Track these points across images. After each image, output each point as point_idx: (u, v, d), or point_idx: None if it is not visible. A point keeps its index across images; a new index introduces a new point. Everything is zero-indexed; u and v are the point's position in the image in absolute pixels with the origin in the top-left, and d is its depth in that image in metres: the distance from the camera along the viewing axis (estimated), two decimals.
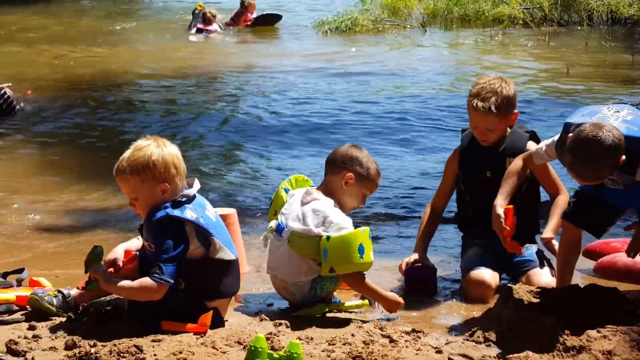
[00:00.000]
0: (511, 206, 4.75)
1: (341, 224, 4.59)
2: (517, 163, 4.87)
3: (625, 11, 15.33)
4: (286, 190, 4.94)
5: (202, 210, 4.29)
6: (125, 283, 4.20)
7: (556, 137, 4.54)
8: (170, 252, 4.15)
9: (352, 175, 4.76)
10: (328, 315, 4.59)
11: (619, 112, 4.36)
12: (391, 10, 18.94)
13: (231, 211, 5.46)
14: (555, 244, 4.97)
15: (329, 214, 4.62)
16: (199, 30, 17.40)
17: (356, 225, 4.64)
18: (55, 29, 17.85)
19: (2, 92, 9.75)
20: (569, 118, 4.44)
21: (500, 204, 4.74)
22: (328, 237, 4.52)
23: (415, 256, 5.20)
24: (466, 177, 5.24)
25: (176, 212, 4.19)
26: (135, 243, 4.50)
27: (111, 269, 4.33)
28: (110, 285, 4.23)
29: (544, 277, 5.00)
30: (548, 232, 5.01)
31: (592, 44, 15.39)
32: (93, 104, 10.94)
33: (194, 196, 4.32)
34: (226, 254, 4.33)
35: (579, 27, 17.18)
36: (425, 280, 5.13)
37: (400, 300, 4.66)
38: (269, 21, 18.05)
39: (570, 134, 4.27)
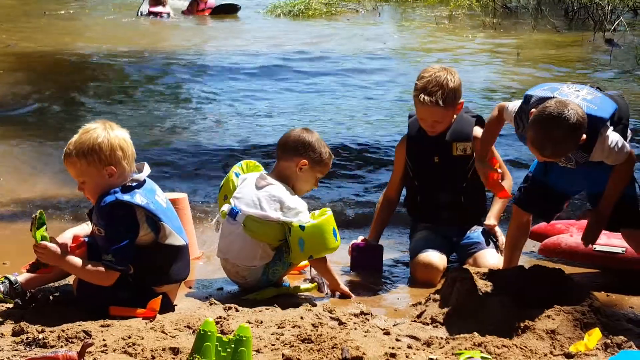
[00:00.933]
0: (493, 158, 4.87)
1: (298, 208, 4.66)
2: (493, 113, 4.81)
3: None
4: (237, 175, 4.96)
5: (152, 196, 4.29)
6: (79, 262, 4.17)
7: (515, 106, 4.57)
8: (120, 238, 4.14)
9: (306, 161, 4.81)
10: (277, 299, 4.62)
11: (579, 91, 4.43)
12: None
13: (182, 195, 5.45)
14: (498, 230, 5.06)
15: (284, 199, 4.67)
16: (150, 14, 17.22)
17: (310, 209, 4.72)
18: None
19: None
20: (530, 91, 4.49)
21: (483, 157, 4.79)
22: (302, 227, 4.58)
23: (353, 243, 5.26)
24: (414, 164, 5.29)
25: (126, 197, 4.18)
26: (84, 229, 4.48)
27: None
28: (63, 261, 4.18)
29: (490, 258, 5.08)
30: (491, 218, 5.12)
31: (539, 29, 15.54)
32: (43, 91, 10.80)
33: (144, 181, 4.31)
34: (176, 240, 4.33)
35: (526, 12, 17.34)
36: (370, 257, 5.20)
37: (350, 294, 4.77)
38: (227, 11, 17.73)
39: (533, 109, 4.30)
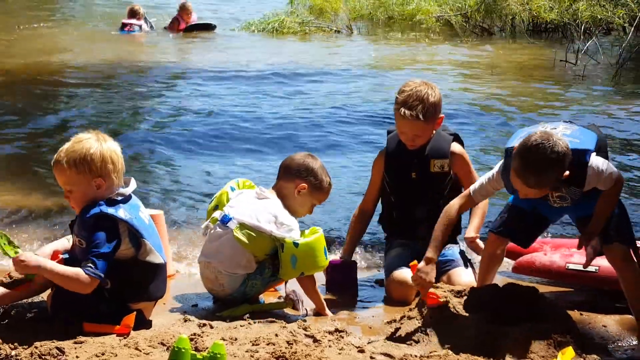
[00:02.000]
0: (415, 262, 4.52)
1: (291, 225, 4.71)
2: (452, 208, 4.62)
3: (547, 15, 15.66)
4: (232, 189, 4.97)
5: (135, 211, 4.28)
6: (58, 267, 4.13)
7: (494, 171, 4.56)
8: (102, 247, 4.12)
9: (306, 185, 4.86)
10: (252, 315, 4.60)
11: (555, 128, 4.42)
12: (317, 12, 19.03)
13: (159, 212, 5.44)
14: (479, 242, 5.07)
15: (278, 214, 4.72)
16: (123, 25, 17.16)
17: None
18: None
19: None
20: (509, 143, 4.47)
21: (428, 256, 4.47)
22: (296, 244, 4.62)
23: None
24: (392, 179, 5.30)
25: (110, 210, 4.17)
26: (64, 243, 4.46)
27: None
28: (43, 268, 4.11)
29: (464, 276, 5.11)
30: (471, 231, 5.11)
31: (513, 47, 15.68)
32: (19, 105, 10.76)
33: (130, 196, 4.31)
34: (155, 258, 4.32)
35: (502, 32, 17.49)
36: (345, 275, 5.22)
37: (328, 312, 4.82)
38: (202, 29, 17.67)
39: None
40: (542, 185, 4.26)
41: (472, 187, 4.65)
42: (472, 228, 5.15)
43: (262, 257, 4.73)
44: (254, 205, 4.78)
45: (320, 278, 5.22)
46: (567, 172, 4.23)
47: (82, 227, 4.20)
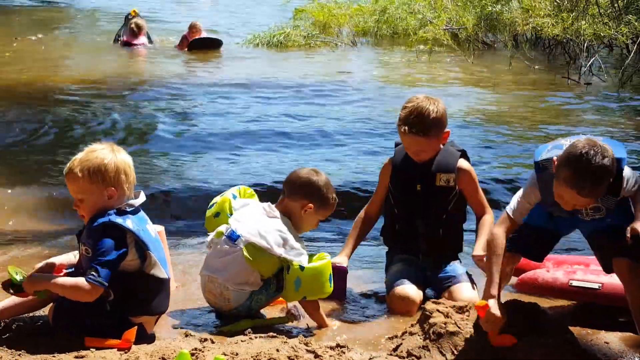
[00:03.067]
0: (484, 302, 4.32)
1: (300, 249, 4.71)
2: (498, 237, 4.46)
3: (550, 30, 15.70)
4: (234, 197, 4.96)
5: (143, 224, 4.29)
6: (59, 279, 4.16)
7: (526, 188, 4.51)
8: (107, 256, 4.12)
9: (312, 205, 4.85)
10: (253, 330, 4.59)
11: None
12: (321, 26, 19.08)
13: (160, 228, 5.43)
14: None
15: (289, 238, 4.72)
16: (126, 44, 17.15)
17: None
18: None
19: None
20: (537, 157, 4.41)
21: (493, 294, 4.33)
22: (302, 268, 4.62)
23: (337, 259, 5.26)
24: (397, 190, 5.30)
25: (118, 220, 4.18)
26: (69, 258, 4.46)
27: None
28: (43, 281, 4.16)
29: (466, 292, 5.10)
30: (478, 249, 5.07)
31: (516, 64, 15.70)
32: (21, 119, 10.78)
33: (138, 209, 4.32)
34: (160, 272, 4.33)
35: (504, 48, 17.51)
36: (335, 281, 5.14)
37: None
38: (208, 45, 17.12)
39: (555, 159, 4.21)
40: (596, 194, 4.19)
41: (508, 209, 4.53)
42: (479, 246, 5.12)
43: (268, 275, 4.73)
44: (263, 224, 4.75)
45: None
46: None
47: (89, 236, 4.20)
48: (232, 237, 4.75)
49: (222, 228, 4.81)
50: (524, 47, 17.04)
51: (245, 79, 13.93)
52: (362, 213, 5.50)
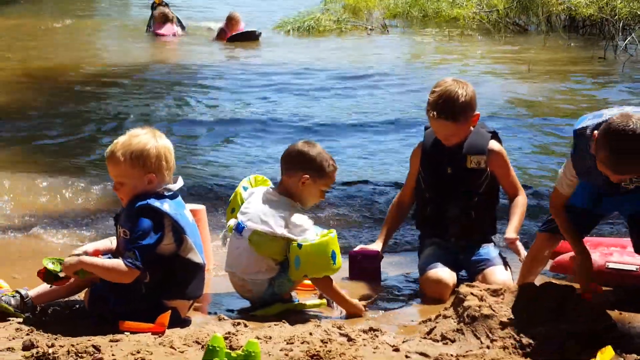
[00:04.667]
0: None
1: (304, 225, 4.65)
2: (556, 214, 4.71)
3: (585, 10, 15.51)
4: (245, 189, 4.96)
5: (180, 208, 4.32)
6: (97, 260, 4.20)
7: (565, 163, 4.51)
8: (145, 239, 4.15)
9: (308, 176, 4.79)
10: (286, 314, 4.60)
11: (623, 108, 4.33)
12: (352, 10, 19.00)
13: (200, 207, 5.46)
14: (519, 245, 5.00)
15: (289, 216, 4.67)
16: (156, 34, 17.00)
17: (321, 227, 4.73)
18: None
19: None
20: (576, 126, 4.39)
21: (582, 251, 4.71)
22: (300, 245, 4.57)
23: (373, 246, 5.25)
24: (427, 174, 5.26)
25: (156, 204, 4.21)
26: (106, 244, 4.50)
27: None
28: (81, 262, 4.20)
29: (500, 275, 5.06)
30: (511, 232, 5.03)
31: (550, 44, 15.54)
32: (52, 106, 10.86)
33: (176, 194, 4.34)
34: (196, 257, 4.35)
35: (537, 29, 17.34)
36: (368, 265, 5.20)
37: (362, 308, 4.74)
38: (247, 38, 16.61)
39: (595, 132, 4.17)
40: (636, 171, 4.16)
41: (556, 182, 4.68)
42: (512, 228, 5.07)
43: (281, 257, 4.69)
44: (263, 209, 4.73)
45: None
46: None
47: (127, 219, 4.24)
48: (239, 229, 4.76)
49: (232, 222, 4.83)
50: (558, 28, 16.85)
51: (280, 64, 13.94)
52: (395, 199, 5.49)
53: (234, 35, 16.54)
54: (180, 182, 4.38)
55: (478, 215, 5.23)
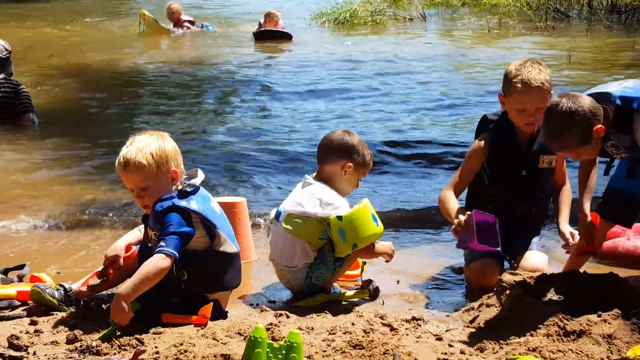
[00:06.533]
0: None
1: (337, 203, 4.68)
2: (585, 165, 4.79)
3: None
4: None
5: (207, 203, 4.32)
6: (133, 281, 4.06)
7: None
8: (175, 227, 4.15)
9: (351, 164, 4.81)
10: (329, 305, 4.59)
11: (623, 83, 4.40)
12: (392, 0, 18.96)
13: (241, 199, 5.50)
14: (575, 232, 4.92)
15: (324, 195, 4.70)
16: (181, 24, 17.09)
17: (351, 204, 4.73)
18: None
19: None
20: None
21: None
22: (340, 217, 4.58)
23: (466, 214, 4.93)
24: (496, 174, 5.12)
25: (182, 203, 4.21)
26: (136, 234, 4.52)
27: (111, 271, 4.41)
28: (124, 298, 4.03)
29: (534, 259, 4.98)
30: (565, 225, 4.98)
31: (592, 31, 15.36)
32: (91, 100, 10.96)
33: (199, 188, 4.34)
34: (230, 247, 4.35)
35: (578, 15, 17.15)
36: (489, 229, 4.73)
37: (391, 245, 4.87)
38: (277, 37, 16.19)
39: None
40: (559, 147, 4.32)
41: None
42: (564, 219, 5.03)
43: (316, 242, 4.68)
44: (300, 193, 4.78)
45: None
46: (599, 126, 4.21)
47: (155, 220, 4.24)
48: (277, 216, 4.78)
49: (273, 212, 4.86)
50: (599, 14, 16.64)
51: (319, 56, 13.92)
52: (448, 191, 5.08)
53: (263, 30, 16.23)
54: (201, 175, 4.36)
55: (539, 210, 5.18)
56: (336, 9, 18.17)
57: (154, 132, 4.35)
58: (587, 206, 4.73)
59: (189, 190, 4.27)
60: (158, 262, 4.10)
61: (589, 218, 4.70)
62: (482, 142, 5.11)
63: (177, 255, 4.12)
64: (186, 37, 16.87)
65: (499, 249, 4.65)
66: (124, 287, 4.10)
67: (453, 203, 5.00)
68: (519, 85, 4.94)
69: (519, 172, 5.09)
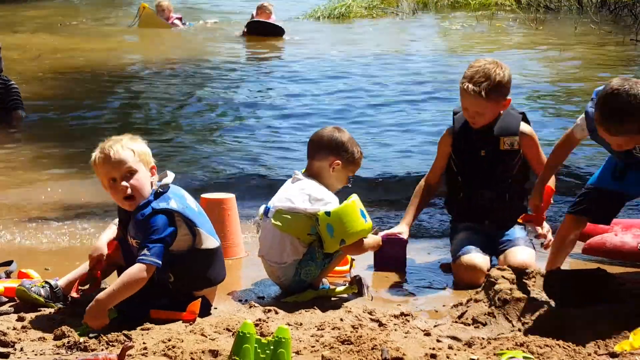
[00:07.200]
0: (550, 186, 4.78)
1: (326, 199, 4.68)
2: (561, 139, 4.78)
3: None
4: None
5: (184, 201, 4.31)
6: (112, 289, 4.08)
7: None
8: (158, 233, 4.14)
9: (340, 161, 4.81)
10: (318, 301, 4.59)
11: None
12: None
13: (230, 196, 5.48)
14: (545, 226, 4.95)
15: (312, 192, 4.70)
16: (172, 25, 16.97)
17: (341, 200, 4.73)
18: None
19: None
20: (597, 90, 4.42)
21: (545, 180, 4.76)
22: (328, 213, 4.58)
23: (398, 228, 5.22)
24: (459, 158, 5.23)
25: (162, 205, 4.20)
26: (113, 230, 4.50)
27: (98, 271, 4.41)
28: (103, 302, 4.07)
29: (520, 255, 5.01)
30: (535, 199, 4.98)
31: (581, 28, 15.38)
32: (78, 99, 10.92)
33: (169, 187, 4.32)
34: (211, 242, 4.35)
35: (568, 12, 17.18)
36: (394, 251, 5.16)
37: (379, 240, 5.02)
38: (269, 32, 15.55)
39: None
40: (623, 132, 4.14)
41: (573, 127, 4.69)
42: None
43: (305, 238, 4.68)
44: (289, 189, 4.78)
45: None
46: None
47: (137, 229, 4.23)
48: (266, 212, 4.78)
49: (262, 208, 4.86)
50: (589, 10, 16.68)
51: (314, 54, 13.91)
52: (421, 182, 5.43)
53: (254, 21, 15.61)
54: (171, 175, 4.36)
55: (512, 199, 5.19)
56: (330, 5, 18.16)
57: (125, 134, 4.36)
58: (548, 177, 4.75)
59: (162, 190, 4.26)
60: (137, 273, 4.09)
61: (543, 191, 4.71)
62: (447, 130, 5.30)
63: (160, 263, 4.12)
64: (180, 34, 16.81)
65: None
66: (104, 293, 4.11)
67: (414, 199, 5.37)
68: (462, 85, 5.05)
69: (478, 153, 5.16)
